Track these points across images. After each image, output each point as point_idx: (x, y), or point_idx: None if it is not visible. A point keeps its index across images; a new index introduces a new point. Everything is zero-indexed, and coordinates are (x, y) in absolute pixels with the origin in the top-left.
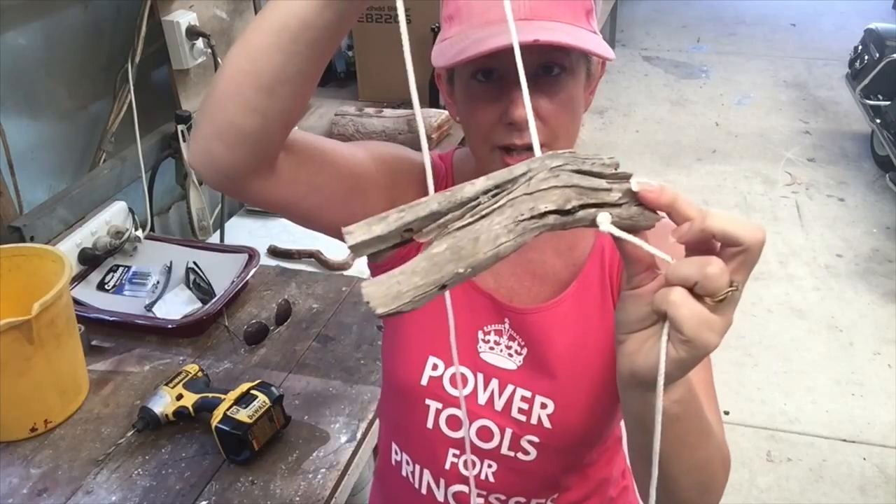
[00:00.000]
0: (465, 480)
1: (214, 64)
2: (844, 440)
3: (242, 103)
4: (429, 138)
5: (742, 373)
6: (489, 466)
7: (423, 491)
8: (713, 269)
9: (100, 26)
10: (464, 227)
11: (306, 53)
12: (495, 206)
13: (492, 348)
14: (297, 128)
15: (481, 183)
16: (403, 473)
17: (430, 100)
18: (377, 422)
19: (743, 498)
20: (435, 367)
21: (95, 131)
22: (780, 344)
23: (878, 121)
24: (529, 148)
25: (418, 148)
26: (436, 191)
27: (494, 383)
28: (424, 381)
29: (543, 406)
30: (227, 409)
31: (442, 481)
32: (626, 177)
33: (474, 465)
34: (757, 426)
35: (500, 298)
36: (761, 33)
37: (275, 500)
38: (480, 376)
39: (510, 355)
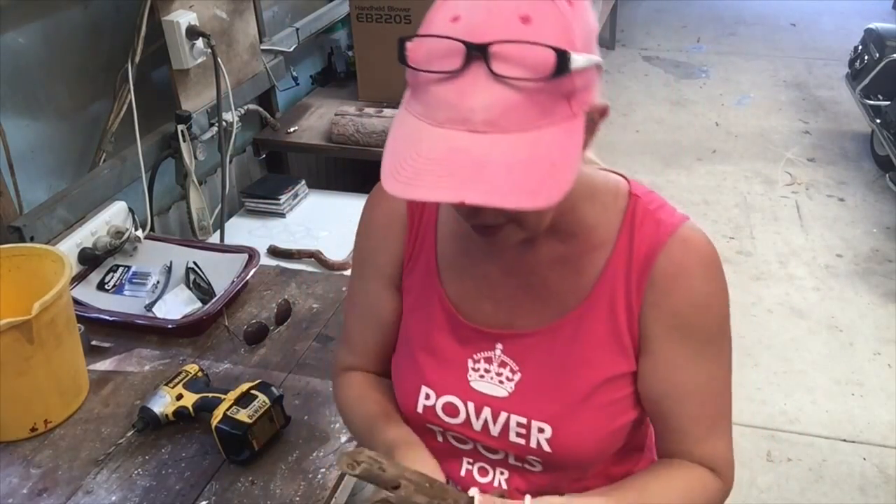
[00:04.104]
0: (480, 486)
1: (214, 64)
2: (844, 440)
3: None
4: None
5: (742, 373)
6: (501, 473)
7: None
8: None
9: (100, 26)
10: None
11: None
12: None
13: (482, 376)
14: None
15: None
16: None
17: None
18: None
19: (743, 498)
20: (427, 396)
21: (95, 131)
22: (780, 344)
23: (878, 121)
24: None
25: None
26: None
27: (486, 411)
28: (420, 409)
29: (541, 431)
30: (227, 409)
31: (459, 487)
32: None
33: (487, 472)
34: (757, 426)
35: (493, 324)
36: (761, 33)
37: (275, 500)
38: (471, 405)
39: (501, 382)
